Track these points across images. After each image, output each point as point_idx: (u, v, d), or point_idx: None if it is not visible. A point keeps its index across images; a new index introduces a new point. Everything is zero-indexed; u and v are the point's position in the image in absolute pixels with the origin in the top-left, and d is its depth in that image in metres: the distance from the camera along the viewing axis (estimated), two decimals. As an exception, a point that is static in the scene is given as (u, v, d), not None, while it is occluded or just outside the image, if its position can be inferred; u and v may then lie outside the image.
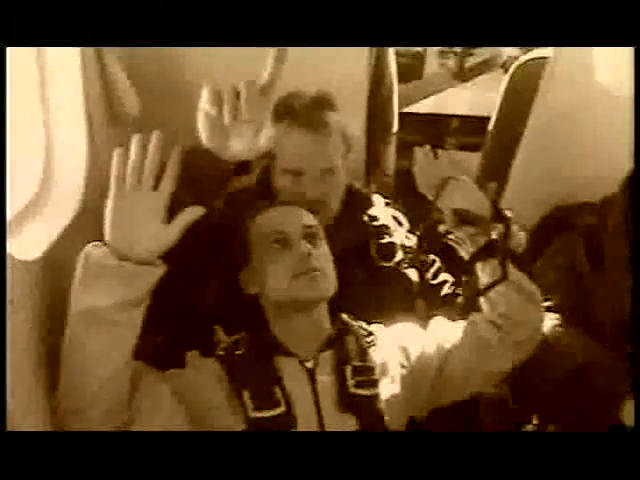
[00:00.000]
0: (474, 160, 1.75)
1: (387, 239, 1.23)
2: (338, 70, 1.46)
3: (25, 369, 0.83)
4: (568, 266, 1.23)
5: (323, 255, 1.04)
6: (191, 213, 0.87)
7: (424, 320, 1.12)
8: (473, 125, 2.13)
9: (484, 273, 1.04)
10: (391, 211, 1.31)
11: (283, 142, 1.13)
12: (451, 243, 1.08)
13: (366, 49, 1.53)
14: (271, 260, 1.02)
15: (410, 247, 1.25)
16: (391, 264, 1.21)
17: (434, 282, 1.25)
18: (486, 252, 1.03)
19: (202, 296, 1.10)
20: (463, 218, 1.03)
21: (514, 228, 1.06)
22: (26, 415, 0.79)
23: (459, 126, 2.34)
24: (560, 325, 1.16)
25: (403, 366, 1.05)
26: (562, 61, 1.41)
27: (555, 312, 1.16)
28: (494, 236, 1.03)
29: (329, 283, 1.02)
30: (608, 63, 1.37)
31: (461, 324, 1.08)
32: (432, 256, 1.29)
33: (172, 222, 0.86)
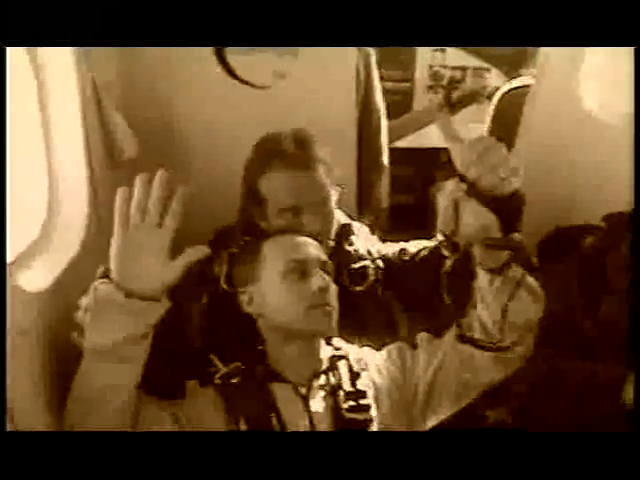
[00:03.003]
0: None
1: (359, 264, 1.31)
2: (327, 106, 1.59)
3: (31, 388, 0.91)
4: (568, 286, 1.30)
5: (333, 290, 1.11)
6: (195, 252, 0.93)
7: (410, 338, 1.18)
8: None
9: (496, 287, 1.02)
10: (365, 233, 1.41)
11: (276, 185, 1.21)
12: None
13: (353, 85, 1.66)
14: (287, 286, 1.07)
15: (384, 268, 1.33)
16: (364, 287, 1.29)
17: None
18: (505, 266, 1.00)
19: (197, 326, 1.19)
20: (492, 246, 1.00)
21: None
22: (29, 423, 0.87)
23: (448, 159, 2.48)
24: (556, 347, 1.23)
25: (393, 388, 1.12)
26: (544, 87, 1.52)
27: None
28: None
29: (336, 319, 1.09)
30: (592, 87, 1.48)
31: (447, 338, 1.12)
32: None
33: (176, 259, 0.93)
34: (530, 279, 1.01)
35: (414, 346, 1.17)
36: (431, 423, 1.14)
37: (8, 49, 0.89)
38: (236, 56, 1.53)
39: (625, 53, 1.16)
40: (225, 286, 1.18)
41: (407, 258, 1.34)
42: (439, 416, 1.13)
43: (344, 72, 1.62)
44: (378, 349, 1.18)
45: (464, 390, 1.11)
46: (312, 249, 1.13)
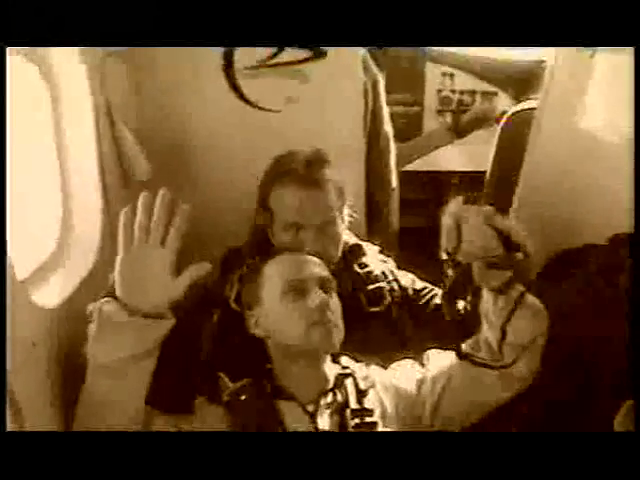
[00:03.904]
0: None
1: (375, 285, 1.32)
2: (336, 130, 1.63)
3: (43, 399, 0.94)
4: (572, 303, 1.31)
5: (335, 306, 1.13)
6: (198, 269, 0.96)
7: (418, 356, 1.20)
8: (472, 179, 2.29)
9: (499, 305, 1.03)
10: (380, 256, 1.42)
11: (283, 200, 1.25)
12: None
13: (362, 110, 1.69)
14: (286, 306, 1.09)
15: (399, 290, 1.35)
16: (380, 308, 1.30)
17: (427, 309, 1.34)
18: (507, 285, 1.01)
19: (207, 344, 1.21)
20: (494, 265, 1.01)
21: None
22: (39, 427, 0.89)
23: (459, 182, 2.51)
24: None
25: (400, 406, 1.13)
26: (548, 109, 1.54)
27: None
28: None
29: (340, 336, 1.11)
30: (597, 108, 1.50)
31: (454, 356, 1.12)
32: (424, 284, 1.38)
33: (180, 276, 0.95)
34: (531, 298, 1.03)
35: (422, 364, 1.18)
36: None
37: (14, 58, 0.91)
38: (247, 80, 1.58)
39: (627, 71, 1.18)
40: (235, 306, 1.20)
41: (429, 297, 1.35)
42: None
43: (353, 97, 1.65)
44: (385, 367, 1.20)
45: (471, 408, 1.13)
46: (312, 267, 1.15)
